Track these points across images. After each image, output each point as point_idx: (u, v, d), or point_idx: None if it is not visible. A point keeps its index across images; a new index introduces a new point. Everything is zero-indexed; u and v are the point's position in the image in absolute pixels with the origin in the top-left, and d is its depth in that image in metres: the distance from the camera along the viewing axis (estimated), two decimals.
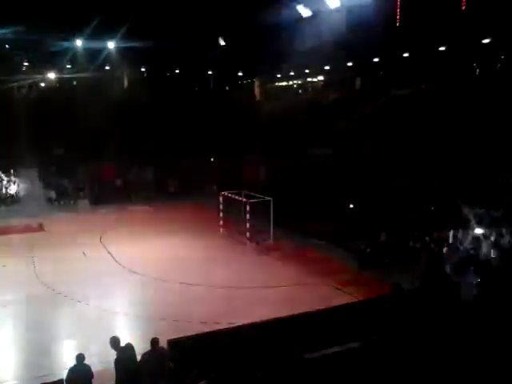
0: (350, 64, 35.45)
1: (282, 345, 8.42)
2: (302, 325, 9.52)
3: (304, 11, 27.69)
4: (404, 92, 29.46)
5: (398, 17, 25.55)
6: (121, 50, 33.61)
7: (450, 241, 16.04)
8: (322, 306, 10.92)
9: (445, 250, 15.45)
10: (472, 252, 14.74)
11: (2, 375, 10.50)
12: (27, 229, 23.44)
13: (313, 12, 27.45)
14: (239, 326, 9.89)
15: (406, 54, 30.89)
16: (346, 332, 8.23)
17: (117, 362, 7.95)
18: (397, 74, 32.64)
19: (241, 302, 14.00)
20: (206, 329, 10.53)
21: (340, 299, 13.27)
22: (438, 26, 23.70)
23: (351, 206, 20.50)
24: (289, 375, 5.43)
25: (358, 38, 25.76)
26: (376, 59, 33.38)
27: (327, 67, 38.58)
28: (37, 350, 11.27)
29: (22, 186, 29.34)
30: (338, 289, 15.03)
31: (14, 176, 30.41)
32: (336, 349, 6.37)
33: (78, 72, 37.05)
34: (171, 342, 8.84)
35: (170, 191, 31.72)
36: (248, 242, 20.53)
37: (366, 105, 30.76)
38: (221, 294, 14.76)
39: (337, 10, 25.60)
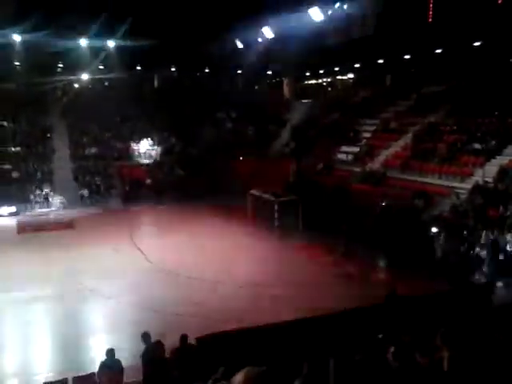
0: (380, 61, 34.89)
1: (306, 344, 8.35)
2: (326, 325, 9.42)
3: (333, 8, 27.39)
4: (436, 89, 28.84)
5: (430, 12, 24.98)
6: (150, 51, 33.99)
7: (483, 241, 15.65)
8: (346, 306, 10.78)
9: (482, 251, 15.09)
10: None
11: (37, 368, 10.82)
12: (59, 226, 23.99)
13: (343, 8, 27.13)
14: (267, 325, 9.87)
15: (438, 51, 30.15)
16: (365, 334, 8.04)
17: (144, 355, 8.06)
18: (429, 71, 31.96)
19: (269, 301, 13.99)
20: (235, 326, 10.54)
21: (365, 299, 13.07)
22: (473, 21, 23.01)
23: (383, 204, 20.18)
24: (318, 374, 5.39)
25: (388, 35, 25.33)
26: (407, 56, 32.74)
27: (357, 65, 38.10)
28: (69, 345, 11.56)
29: None
30: (361, 287, 14.82)
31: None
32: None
33: (110, 73, 37.75)
34: (200, 339, 8.88)
35: (198, 190, 31.93)
36: (276, 240, 20.49)
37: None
38: (249, 293, 14.77)
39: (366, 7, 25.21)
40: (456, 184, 20.57)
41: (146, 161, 33.87)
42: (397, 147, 26.27)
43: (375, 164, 25.92)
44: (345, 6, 25.24)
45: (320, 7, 26.13)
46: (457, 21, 23.58)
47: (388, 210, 19.85)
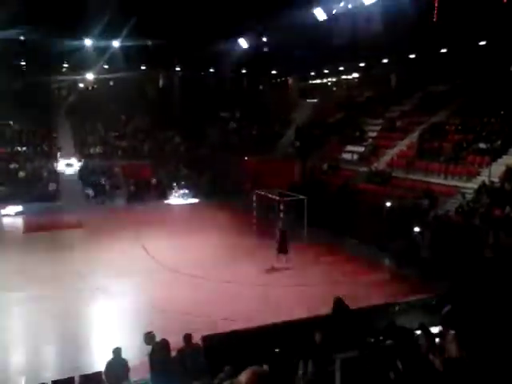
0: (385, 61, 34.78)
1: (315, 344, 8.34)
2: (333, 325, 9.40)
3: (338, 7, 27.34)
4: (441, 88, 28.73)
5: (435, 11, 24.88)
6: (154, 50, 34.06)
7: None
8: (355, 306, 10.76)
9: None
10: None
11: (43, 366, 10.87)
12: (66, 225, 24.10)
13: (348, 8, 27.08)
14: (273, 324, 9.89)
15: (443, 50, 30.01)
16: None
17: (151, 355, 8.10)
18: (434, 70, 31.82)
19: (275, 300, 14.01)
20: (240, 326, 10.56)
21: (374, 299, 13.07)
22: (478, 20, 22.90)
23: (388, 204, 20.12)
24: (324, 373, 5.40)
25: (393, 34, 25.25)
26: (412, 55, 32.63)
27: (362, 64, 37.99)
28: (76, 343, 11.61)
29: None
30: (372, 288, 14.82)
31: None
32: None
33: (114, 72, 37.86)
34: (206, 338, 8.91)
35: (204, 190, 31.99)
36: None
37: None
38: (255, 292, 14.79)
39: (372, 6, 25.15)
40: (462, 184, 20.50)
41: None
42: (402, 147, 26.20)
43: (381, 164, 25.86)
44: None
45: None
46: (462, 20, 23.49)
47: (393, 211, 19.80)
